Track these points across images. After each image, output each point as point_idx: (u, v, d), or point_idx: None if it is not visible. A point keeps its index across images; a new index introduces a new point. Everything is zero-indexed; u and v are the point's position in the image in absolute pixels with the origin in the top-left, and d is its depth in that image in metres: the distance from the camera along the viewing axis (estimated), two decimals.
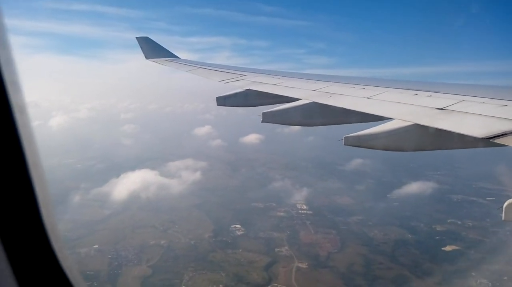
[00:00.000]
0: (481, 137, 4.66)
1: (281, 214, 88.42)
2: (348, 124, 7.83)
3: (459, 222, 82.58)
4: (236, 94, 10.45)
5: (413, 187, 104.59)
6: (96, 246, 69.59)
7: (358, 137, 5.74)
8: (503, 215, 3.55)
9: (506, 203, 3.52)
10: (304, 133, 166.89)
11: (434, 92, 7.35)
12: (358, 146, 5.78)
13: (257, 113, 8.37)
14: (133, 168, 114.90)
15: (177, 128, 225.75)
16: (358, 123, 7.41)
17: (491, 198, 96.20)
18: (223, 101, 10.41)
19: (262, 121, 7.95)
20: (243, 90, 10.55)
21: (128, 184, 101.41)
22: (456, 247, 70.95)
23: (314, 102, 8.03)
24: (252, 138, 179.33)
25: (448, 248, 70.85)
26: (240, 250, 69.67)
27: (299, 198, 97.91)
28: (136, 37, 20.33)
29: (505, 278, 60.77)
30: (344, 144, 5.78)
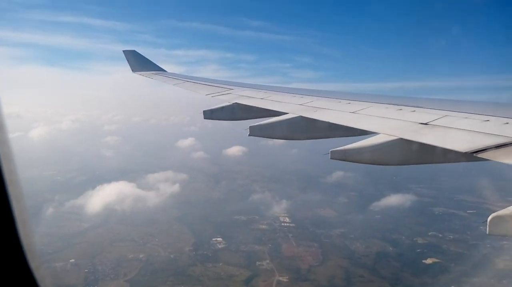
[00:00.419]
0: (464, 151, 4.75)
1: (264, 227, 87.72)
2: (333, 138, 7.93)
3: (440, 235, 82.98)
4: (223, 107, 10.48)
5: (395, 200, 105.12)
6: (72, 260, 67.79)
7: (344, 151, 5.77)
8: (487, 229, 3.50)
9: (490, 217, 3.46)
10: (288, 145, 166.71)
11: (418, 107, 7.49)
12: (344, 160, 5.81)
13: (242, 126, 8.46)
14: (113, 180, 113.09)
15: (160, 140, 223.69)
16: (344, 137, 7.47)
17: (471, 211, 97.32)
18: (210, 114, 10.42)
19: (249, 135, 7.98)
20: (230, 104, 10.57)
21: (103, 197, 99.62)
22: (437, 260, 71.06)
23: (300, 116, 8.08)
24: (235, 150, 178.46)
25: (428, 260, 70.96)
26: (220, 264, 68.60)
27: (282, 210, 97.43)
28: (123, 51, 20.29)
29: None
30: (331, 158, 5.81)
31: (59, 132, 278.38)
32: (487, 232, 3.53)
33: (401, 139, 5.71)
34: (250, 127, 8.00)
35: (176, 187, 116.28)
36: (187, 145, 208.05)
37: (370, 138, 6.08)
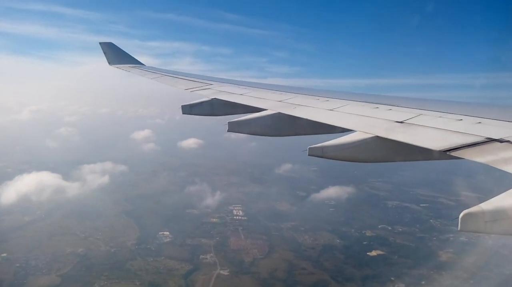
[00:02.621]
0: (437, 150, 4.81)
1: (215, 220, 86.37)
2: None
3: (389, 228, 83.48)
4: (202, 103, 10.34)
5: (351, 193, 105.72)
6: (4, 255, 64.85)
7: (322, 148, 5.74)
8: (459, 225, 3.45)
9: (461, 214, 3.42)
10: (248, 139, 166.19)
11: (394, 105, 7.65)
12: (321, 157, 5.78)
13: (221, 122, 8.44)
14: (59, 171, 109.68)
15: (117, 131, 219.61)
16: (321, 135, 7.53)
17: (424, 205, 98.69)
18: (188, 109, 10.20)
19: (228, 131, 7.89)
20: (209, 99, 10.44)
21: (21, 187, 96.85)
22: (381, 252, 71.39)
23: (279, 112, 8.11)
24: (192, 142, 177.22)
25: (373, 253, 71.20)
26: (162, 258, 66.92)
27: (236, 204, 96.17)
28: (100, 43, 19.57)
29: (423, 282, 61.48)
30: (308, 155, 5.75)
31: (14, 123, 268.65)
32: (459, 228, 3.50)
33: (377, 137, 5.78)
34: (228, 122, 7.89)
35: (105, 179, 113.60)
36: (141, 137, 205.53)
37: (347, 135, 6.10)
